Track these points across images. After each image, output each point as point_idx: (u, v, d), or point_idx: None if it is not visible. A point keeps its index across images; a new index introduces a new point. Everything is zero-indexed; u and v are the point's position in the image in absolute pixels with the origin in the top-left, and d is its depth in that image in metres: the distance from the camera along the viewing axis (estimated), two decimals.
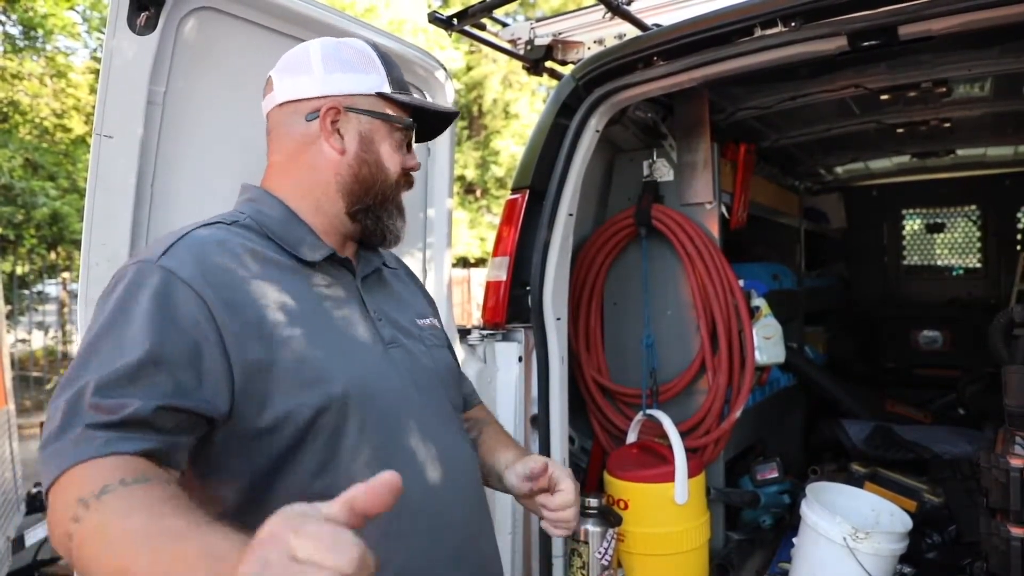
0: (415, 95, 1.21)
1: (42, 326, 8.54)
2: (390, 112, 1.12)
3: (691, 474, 2.14)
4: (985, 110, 2.91)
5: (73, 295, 8.34)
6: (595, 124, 2.16)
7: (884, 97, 2.69)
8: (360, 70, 1.10)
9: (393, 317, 1.14)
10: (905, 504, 2.29)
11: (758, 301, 2.57)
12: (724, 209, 2.57)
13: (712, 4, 2.04)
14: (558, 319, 2.13)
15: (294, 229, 1.06)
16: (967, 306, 4.26)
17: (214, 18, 1.45)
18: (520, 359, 2.12)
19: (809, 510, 2.03)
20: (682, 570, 2.16)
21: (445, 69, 1.95)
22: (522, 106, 13.11)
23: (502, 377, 2.12)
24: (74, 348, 8.05)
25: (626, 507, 2.15)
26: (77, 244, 7.26)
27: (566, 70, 2.43)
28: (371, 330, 1.07)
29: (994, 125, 3.20)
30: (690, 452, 2.22)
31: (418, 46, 1.93)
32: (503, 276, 2.16)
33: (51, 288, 8.81)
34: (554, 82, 2.45)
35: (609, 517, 2.05)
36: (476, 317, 9.63)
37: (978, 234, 4.44)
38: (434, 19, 2.20)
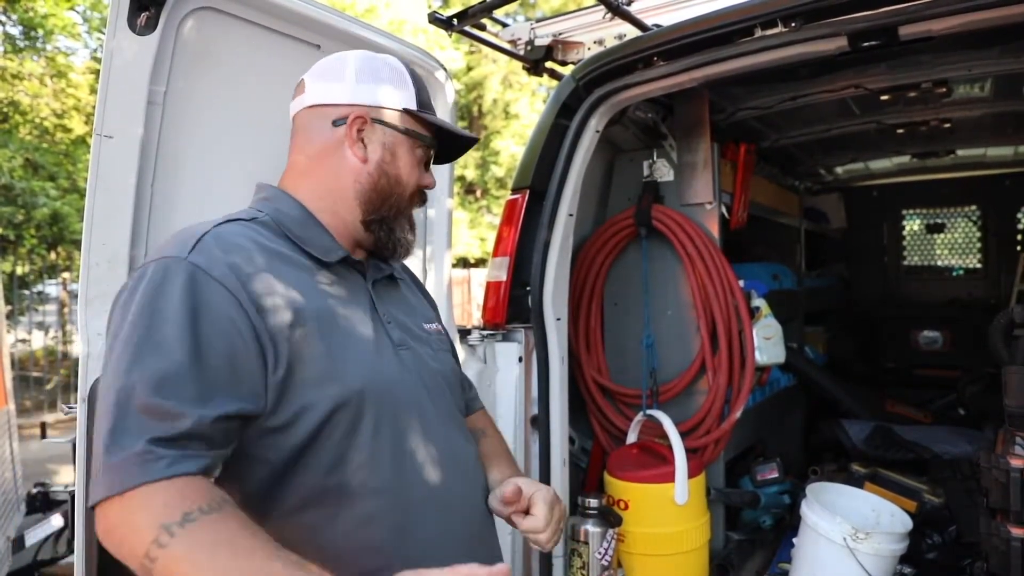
0: (433, 87, 1.23)
1: (42, 326, 8.53)
2: (414, 129, 1.15)
3: (691, 474, 2.14)
4: (985, 110, 2.91)
5: (73, 295, 8.34)
6: (595, 124, 2.16)
7: (884, 97, 2.69)
8: (392, 85, 1.13)
9: (402, 320, 1.16)
10: (905, 504, 2.29)
11: (758, 301, 2.57)
12: (724, 209, 2.57)
13: (712, 4, 2.04)
14: (558, 319, 2.13)
15: (311, 230, 1.08)
16: (967, 306, 4.26)
17: (214, 18, 1.45)
18: (520, 359, 2.13)
19: (809, 510, 2.03)
20: (682, 570, 2.16)
21: (445, 69, 1.95)
22: (522, 106, 13.11)
23: (502, 377, 2.12)
24: (74, 348, 8.05)
25: (626, 507, 2.15)
26: (77, 244, 7.26)
27: (566, 70, 2.43)
28: (382, 332, 1.09)
29: (994, 125, 3.19)
30: (690, 452, 2.22)
31: (418, 46, 1.93)
32: (503, 276, 2.16)
33: (51, 288, 8.80)
34: (554, 82, 2.45)
35: (609, 517, 2.05)
36: (476, 317, 9.63)
37: (978, 234, 4.44)
38: (434, 19, 2.20)
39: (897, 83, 2.50)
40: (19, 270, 7.98)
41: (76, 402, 1.27)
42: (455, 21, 2.19)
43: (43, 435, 3.55)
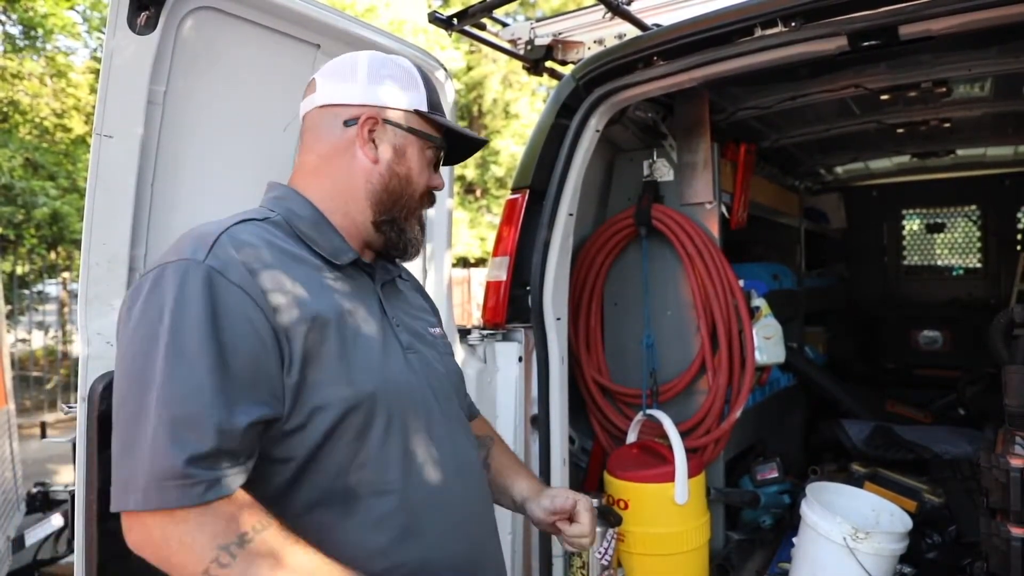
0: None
1: (42, 326, 8.54)
2: (425, 130, 1.15)
3: (691, 474, 2.14)
4: (985, 110, 2.91)
5: (73, 295, 8.34)
6: (595, 124, 2.16)
7: (884, 97, 2.69)
8: (402, 86, 1.13)
9: (409, 324, 1.16)
10: (905, 504, 2.29)
11: (758, 301, 2.57)
12: (724, 209, 2.56)
13: (712, 4, 2.04)
14: (558, 319, 2.13)
15: (323, 230, 1.08)
16: (967, 306, 4.26)
17: (214, 18, 1.45)
18: (520, 359, 2.12)
19: (809, 510, 2.03)
20: (682, 570, 2.16)
21: (445, 69, 1.95)
22: (522, 106, 13.11)
23: (502, 377, 2.12)
24: (74, 348, 8.06)
25: (626, 507, 2.15)
26: (77, 244, 7.26)
27: (566, 70, 2.43)
28: (391, 335, 1.09)
29: (994, 125, 3.19)
30: (690, 452, 2.22)
31: (418, 46, 1.93)
32: (503, 276, 2.16)
33: (51, 288, 8.80)
34: (554, 82, 2.45)
35: (609, 517, 2.05)
36: (476, 317, 9.63)
37: (978, 234, 4.44)
38: (434, 19, 2.20)
39: (897, 83, 2.50)
40: (19, 270, 7.98)
41: (76, 402, 1.27)
42: (455, 21, 2.19)
43: (43, 435, 3.56)
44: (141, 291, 0.92)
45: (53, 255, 8.43)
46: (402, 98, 1.13)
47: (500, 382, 2.12)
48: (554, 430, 2.08)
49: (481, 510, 1.16)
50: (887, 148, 3.74)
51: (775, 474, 2.63)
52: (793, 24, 1.72)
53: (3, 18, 7.97)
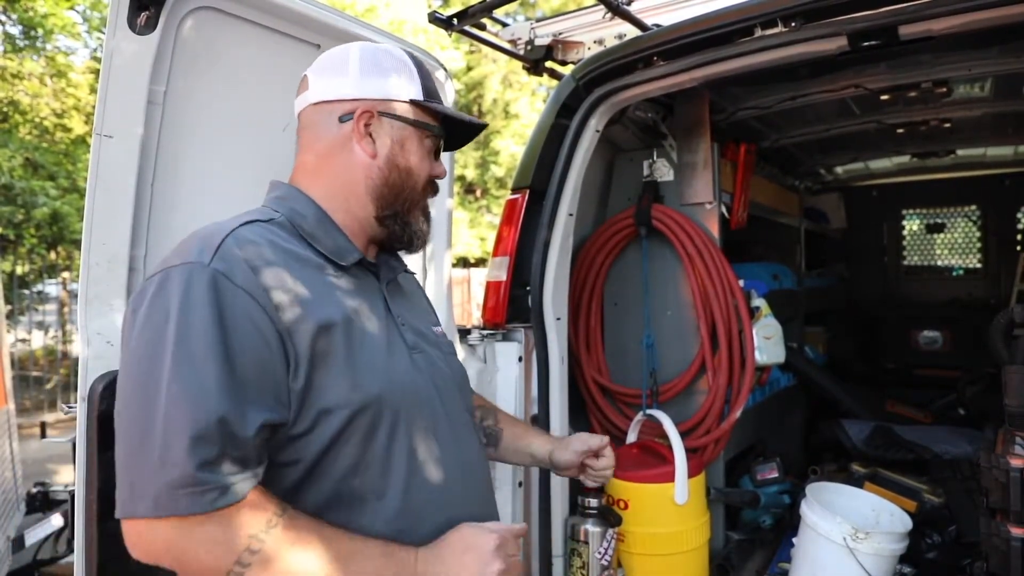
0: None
1: (42, 326, 8.54)
2: (422, 119, 1.13)
3: (691, 474, 2.14)
4: (985, 110, 2.91)
5: (73, 295, 8.34)
6: (595, 124, 2.16)
7: (884, 97, 2.69)
8: (396, 76, 1.11)
9: (414, 323, 1.16)
10: (905, 504, 2.29)
11: (758, 301, 2.57)
12: (724, 209, 2.56)
13: (712, 4, 2.04)
14: (558, 319, 2.13)
15: (328, 231, 1.07)
16: (967, 306, 4.26)
17: (214, 18, 1.45)
18: (520, 359, 2.13)
19: (809, 510, 2.03)
20: (682, 570, 2.16)
21: (445, 69, 1.95)
22: (522, 106, 13.11)
23: (502, 377, 2.12)
24: (74, 348, 8.06)
25: (626, 507, 2.15)
26: (77, 244, 7.26)
27: (566, 70, 2.43)
28: (396, 335, 1.09)
29: (994, 125, 3.19)
30: (690, 452, 2.22)
31: (418, 46, 1.93)
32: (503, 276, 2.16)
33: (51, 288, 8.81)
34: (554, 82, 2.45)
35: (609, 517, 2.05)
36: (476, 317, 9.63)
37: (978, 234, 4.44)
38: (434, 19, 2.20)
39: (897, 83, 2.50)
40: (19, 270, 7.98)
41: (76, 402, 1.27)
42: (455, 21, 2.19)
43: (43, 435, 3.56)
44: (146, 295, 0.91)
45: (53, 255, 8.44)
46: (396, 89, 1.11)
47: (500, 382, 2.12)
48: (554, 430, 2.08)
49: (484, 510, 1.17)
50: (887, 148, 3.74)
51: (775, 474, 2.63)
52: (793, 24, 1.72)
53: (3, 18, 7.97)
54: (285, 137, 1.52)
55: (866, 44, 1.71)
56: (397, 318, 1.11)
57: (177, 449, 0.82)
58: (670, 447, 2.14)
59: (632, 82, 2.05)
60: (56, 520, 3.04)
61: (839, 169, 4.30)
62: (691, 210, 2.52)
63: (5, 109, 8.10)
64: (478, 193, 14.22)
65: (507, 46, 2.58)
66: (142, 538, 0.85)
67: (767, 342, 2.50)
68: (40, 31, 8.00)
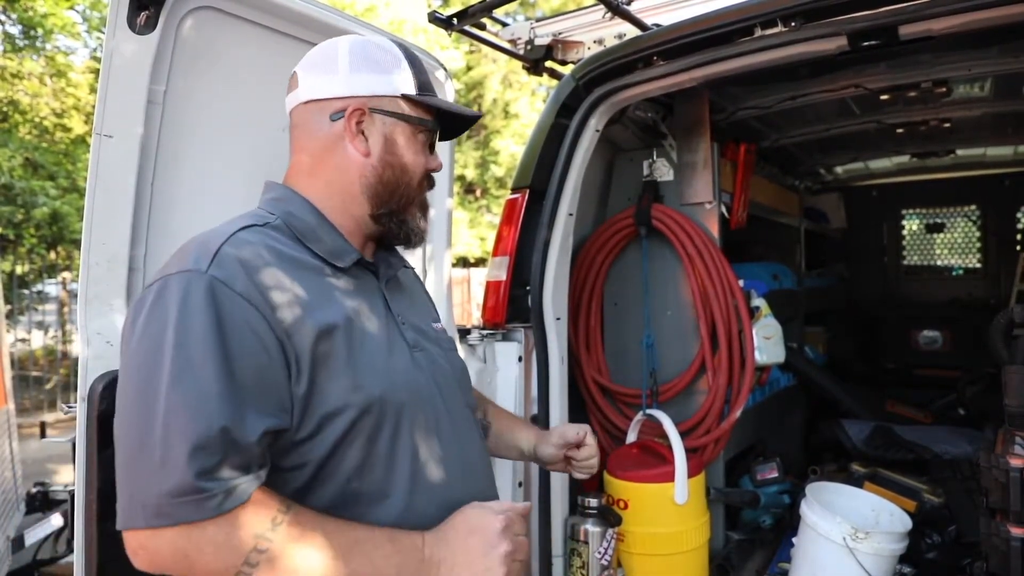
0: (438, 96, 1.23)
1: (42, 326, 8.53)
2: (415, 114, 1.11)
3: (691, 474, 2.14)
4: (985, 110, 2.91)
5: (73, 295, 8.34)
6: (595, 124, 2.16)
7: (884, 97, 2.69)
8: (386, 70, 1.09)
9: (414, 321, 1.15)
10: (905, 504, 2.29)
11: (758, 301, 2.57)
12: (724, 209, 2.56)
13: (712, 4, 2.04)
14: (558, 319, 2.13)
15: (324, 233, 1.06)
16: (967, 306, 4.26)
17: (214, 17, 1.45)
18: (520, 359, 2.13)
19: (809, 510, 2.03)
20: (682, 570, 2.16)
21: (445, 69, 1.95)
22: (522, 106, 13.11)
23: (502, 377, 2.12)
24: (74, 348, 8.06)
25: (626, 507, 2.15)
26: (77, 244, 7.25)
27: (566, 70, 2.43)
28: (397, 334, 1.08)
29: (994, 125, 3.19)
30: (690, 452, 2.22)
31: (418, 46, 1.93)
32: (503, 276, 2.16)
33: (51, 288, 8.80)
34: (554, 82, 2.45)
35: (609, 517, 2.05)
36: (476, 317, 9.63)
37: (978, 234, 4.44)
38: (434, 19, 2.20)
39: (897, 83, 2.50)
40: (19, 269, 7.98)
41: (76, 402, 1.27)
42: (455, 20, 2.19)
43: (43, 435, 3.55)
44: (145, 304, 0.91)
45: (53, 255, 8.43)
46: (388, 84, 1.09)
47: (500, 382, 2.12)
48: None
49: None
50: (887, 148, 3.74)
51: (775, 474, 2.63)
52: (793, 24, 1.72)
53: (3, 18, 7.97)
54: (285, 137, 1.52)
55: (866, 44, 1.71)
56: (397, 316, 1.10)
57: (178, 458, 0.81)
58: (670, 447, 2.14)
59: (632, 82, 2.05)
60: (56, 520, 3.04)
61: (839, 169, 4.30)
62: (691, 210, 2.52)
63: (5, 109, 8.10)
64: (478, 193, 14.22)
65: (507, 46, 2.58)
66: (146, 548, 0.84)
67: (767, 342, 2.50)
68: (40, 31, 8.01)
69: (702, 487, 2.26)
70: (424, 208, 1.16)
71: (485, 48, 2.93)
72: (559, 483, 2.08)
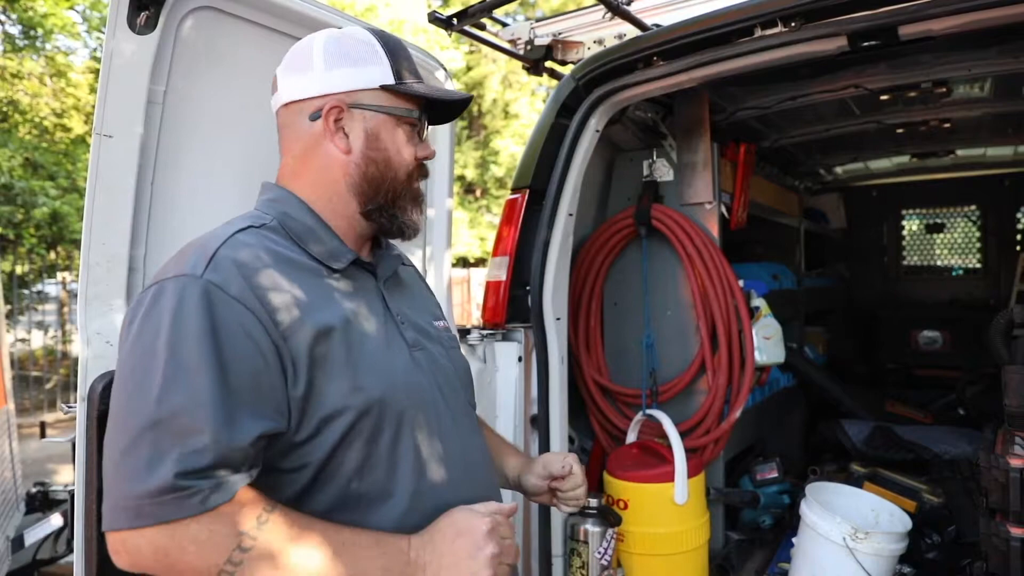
0: (429, 81, 1.19)
1: (42, 325, 8.53)
2: (396, 105, 1.08)
3: (691, 474, 2.14)
4: (985, 110, 2.91)
5: (73, 295, 8.34)
6: (595, 124, 2.16)
7: (884, 97, 2.69)
8: (363, 63, 1.06)
9: (413, 320, 1.14)
10: (905, 504, 2.29)
11: (758, 301, 2.57)
12: (724, 209, 2.56)
13: (712, 4, 2.04)
14: (558, 319, 2.13)
15: (319, 234, 1.05)
16: (967, 306, 4.26)
17: (214, 17, 1.45)
18: (520, 359, 2.12)
19: (809, 510, 2.03)
20: (682, 570, 2.16)
21: (445, 69, 1.95)
22: (522, 106, 13.12)
23: (502, 377, 2.12)
24: (74, 348, 8.06)
25: (626, 507, 2.15)
26: (77, 244, 7.26)
27: (566, 70, 2.43)
28: (396, 334, 1.07)
29: (994, 125, 3.20)
30: (690, 452, 2.22)
31: (418, 46, 1.93)
32: (503, 276, 2.16)
33: (51, 288, 8.80)
34: (554, 82, 2.45)
35: (609, 517, 2.05)
36: (476, 317, 9.63)
37: (978, 234, 4.45)
38: (434, 19, 2.20)
39: (897, 83, 2.50)
40: (19, 269, 7.97)
41: (76, 402, 1.27)
42: (455, 20, 2.19)
43: (42, 435, 3.56)
44: (140, 308, 0.91)
45: (53, 255, 8.43)
46: (364, 77, 1.06)
47: (500, 382, 2.12)
48: (554, 430, 2.08)
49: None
50: (887, 148, 3.74)
51: (775, 474, 2.63)
52: (793, 24, 1.72)
53: (3, 18, 7.97)
54: None
55: (866, 44, 1.71)
56: (397, 316, 1.09)
57: (163, 461, 0.81)
58: (670, 447, 2.15)
59: (632, 82, 2.05)
60: (56, 520, 3.04)
61: (839, 169, 4.30)
62: (691, 210, 2.52)
63: (5, 109, 8.10)
64: (478, 193, 14.22)
65: (507, 46, 2.58)
66: (126, 546, 0.83)
67: (767, 342, 2.50)
68: (40, 31, 8.01)
69: (702, 487, 2.26)
70: (416, 199, 1.13)
71: (485, 48, 2.93)
72: None
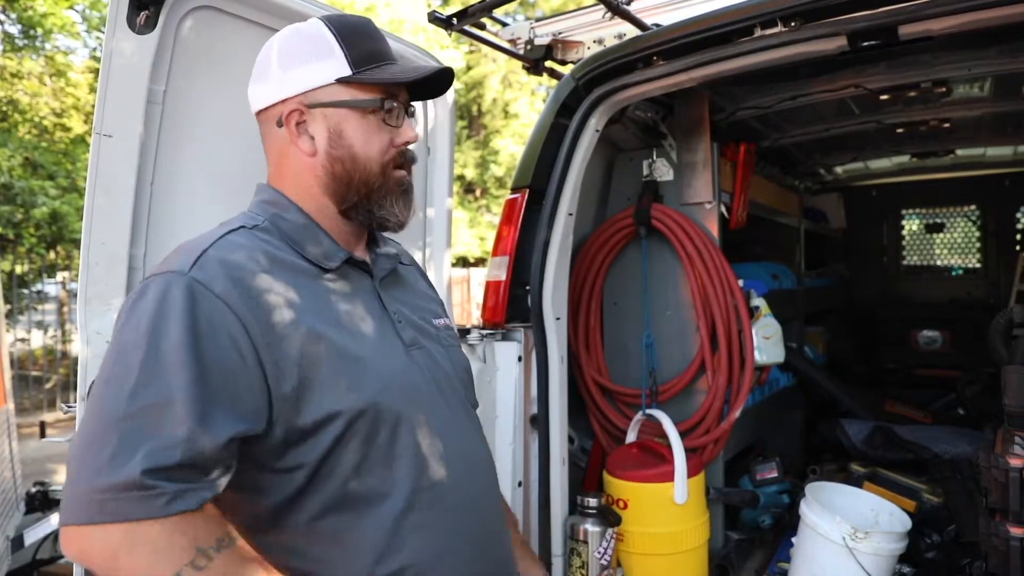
0: (411, 61, 1.14)
1: (41, 325, 8.53)
2: (356, 96, 1.03)
3: (690, 474, 2.14)
4: (985, 110, 2.91)
5: (72, 294, 8.34)
6: (595, 124, 2.16)
7: (884, 97, 2.68)
8: (315, 59, 1.03)
9: (411, 318, 1.13)
10: (904, 504, 2.29)
11: (758, 301, 2.57)
12: (724, 209, 2.56)
13: (712, 4, 2.04)
14: (558, 319, 2.13)
15: (311, 235, 1.05)
16: (967, 306, 4.26)
17: (213, 17, 1.45)
18: (520, 359, 2.12)
19: (808, 510, 2.03)
20: (681, 570, 2.16)
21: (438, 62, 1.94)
22: (522, 106, 13.12)
23: (502, 377, 2.12)
24: (73, 347, 8.06)
25: (625, 507, 2.15)
26: (76, 243, 7.26)
27: (566, 70, 2.43)
28: (393, 333, 1.07)
29: (994, 125, 3.19)
30: (689, 452, 2.23)
31: (418, 46, 1.93)
32: (503, 276, 2.16)
33: (50, 287, 8.80)
34: (554, 82, 2.45)
35: (608, 517, 2.05)
36: (476, 317, 9.63)
37: (978, 234, 4.45)
38: (434, 19, 2.20)
39: (897, 83, 2.50)
40: (18, 269, 7.97)
41: (75, 401, 1.27)
42: (455, 20, 2.19)
43: (42, 434, 3.56)
44: (128, 303, 0.92)
45: (52, 255, 8.43)
46: (318, 74, 1.02)
47: (500, 382, 2.12)
48: (553, 430, 2.08)
49: (492, 505, 1.16)
50: (887, 148, 3.74)
51: (774, 474, 2.63)
52: (793, 24, 1.72)
53: (3, 17, 7.97)
54: None
55: (866, 44, 1.71)
56: (394, 315, 1.09)
57: (131, 455, 0.79)
58: (669, 447, 2.15)
59: (632, 82, 2.05)
60: (55, 519, 3.04)
61: (839, 169, 4.30)
62: (691, 210, 2.52)
63: (4, 108, 8.10)
64: (478, 193, 14.22)
65: (507, 46, 2.58)
66: (80, 539, 0.81)
67: (767, 342, 2.50)
68: (39, 30, 8.00)
69: (701, 487, 2.26)
70: (399, 188, 1.08)
71: (485, 48, 2.93)
72: (559, 483, 2.09)
